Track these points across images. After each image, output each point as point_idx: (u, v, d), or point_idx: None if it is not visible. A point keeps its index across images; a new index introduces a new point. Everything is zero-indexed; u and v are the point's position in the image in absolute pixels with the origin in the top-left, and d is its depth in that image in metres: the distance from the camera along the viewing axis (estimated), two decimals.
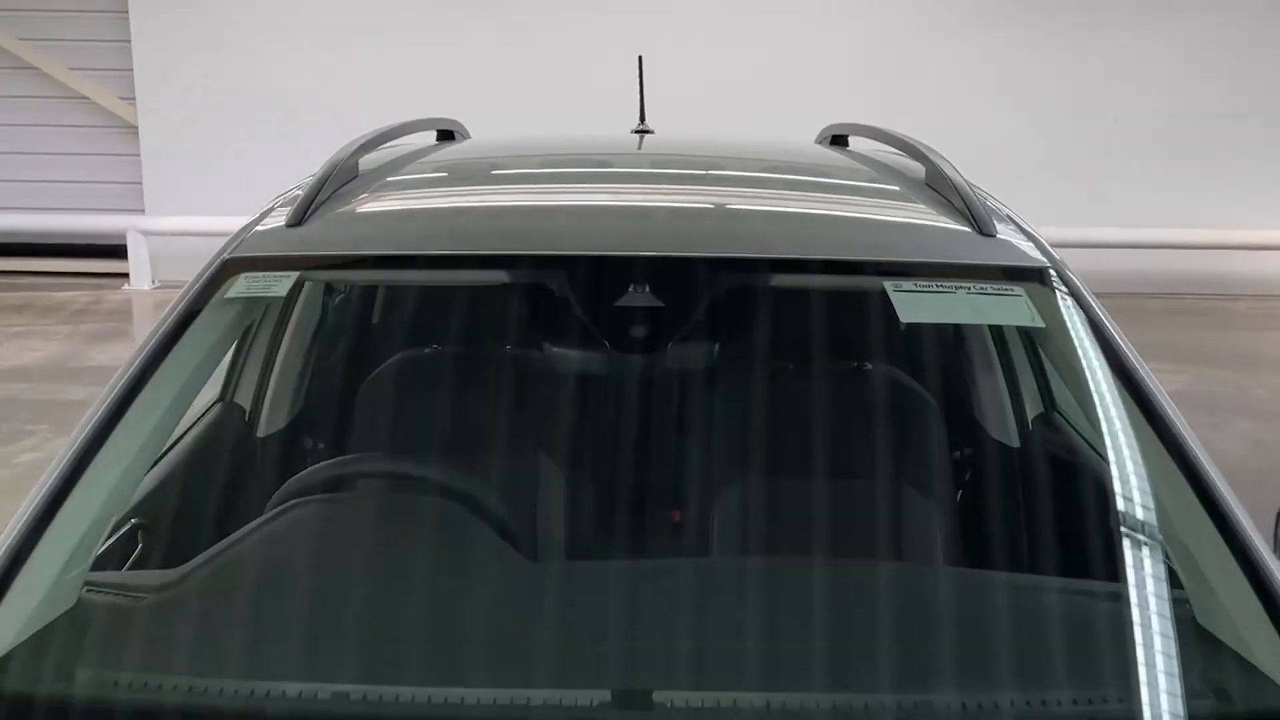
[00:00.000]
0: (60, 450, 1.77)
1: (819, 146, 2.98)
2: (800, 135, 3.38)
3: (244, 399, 2.58)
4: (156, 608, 1.69)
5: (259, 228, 2.12)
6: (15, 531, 1.64)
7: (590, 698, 1.48)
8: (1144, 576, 1.64)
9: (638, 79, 3.55)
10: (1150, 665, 1.50)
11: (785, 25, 9.82)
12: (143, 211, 10.27)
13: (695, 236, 2.04)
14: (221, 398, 2.55)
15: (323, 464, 2.04)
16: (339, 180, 2.18)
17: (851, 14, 9.87)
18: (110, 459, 1.75)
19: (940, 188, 2.24)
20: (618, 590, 1.67)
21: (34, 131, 10.40)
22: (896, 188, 2.40)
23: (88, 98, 10.34)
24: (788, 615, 1.60)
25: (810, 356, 2.16)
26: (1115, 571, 1.68)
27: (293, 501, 1.84)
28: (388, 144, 2.53)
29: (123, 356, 7.17)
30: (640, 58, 3.53)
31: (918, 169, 2.39)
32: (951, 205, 2.16)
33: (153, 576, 1.87)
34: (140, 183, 10.35)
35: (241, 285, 1.97)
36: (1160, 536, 1.69)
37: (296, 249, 2.01)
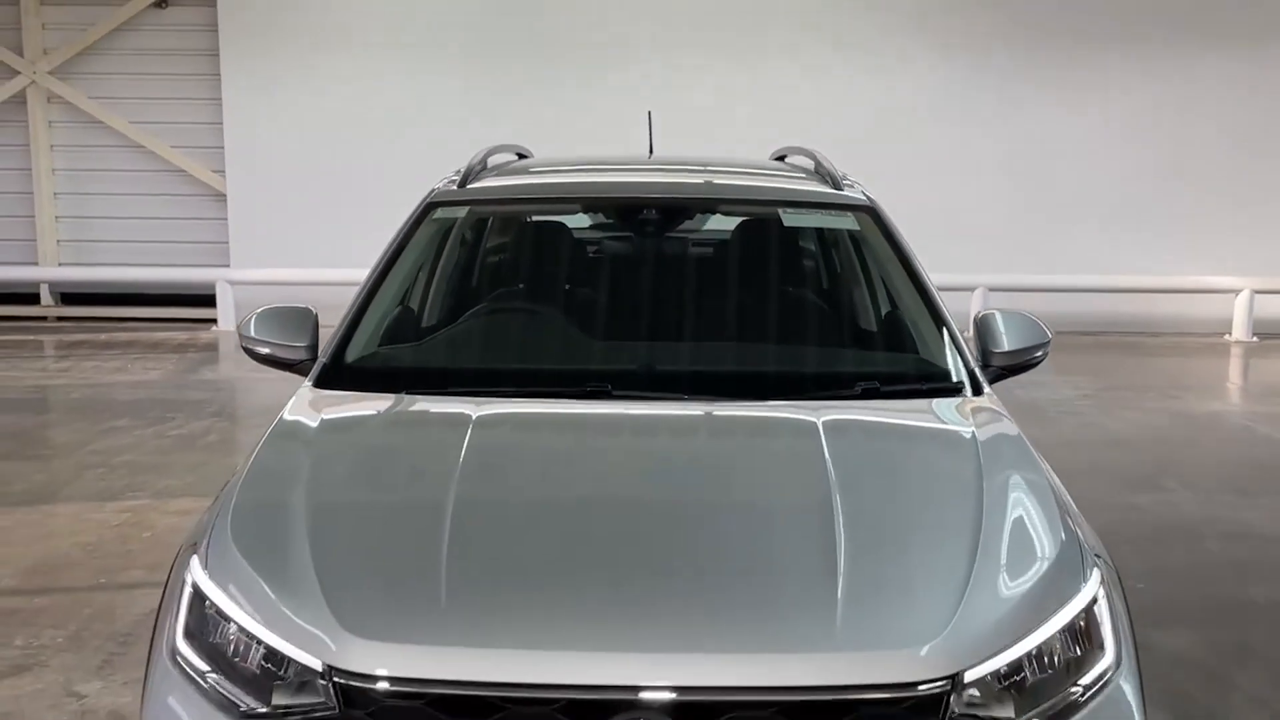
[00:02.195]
0: (355, 291, 3.53)
1: (765, 159, 4.79)
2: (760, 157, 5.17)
3: (405, 318, 4.32)
4: (426, 345, 3.49)
5: (440, 188, 3.88)
6: (337, 335, 3.37)
7: (626, 370, 3.25)
8: (930, 367, 3.42)
9: (648, 129, 5.31)
10: (922, 366, 3.37)
11: (782, 105, 11.70)
12: (229, 265, 12.13)
13: (681, 190, 3.91)
14: (401, 302, 4.29)
15: (490, 307, 3.81)
16: (479, 169, 3.97)
17: (846, 100, 11.75)
18: (383, 296, 3.51)
19: (820, 173, 4.01)
20: (636, 343, 3.46)
21: (139, 199, 12.36)
22: (797, 173, 4.19)
23: (185, 171, 12.30)
24: (730, 345, 3.39)
25: (744, 245, 3.95)
26: (916, 352, 3.50)
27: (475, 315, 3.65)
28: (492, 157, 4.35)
29: (226, 374, 9.59)
30: (650, 112, 5.30)
31: (811, 164, 4.17)
32: (823, 179, 3.93)
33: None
34: (227, 242, 12.24)
35: (439, 213, 3.76)
36: (935, 349, 3.43)
37: (466, 196, 3.79)
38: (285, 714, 2.08)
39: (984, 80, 11.82)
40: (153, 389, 9.00)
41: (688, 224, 4.03)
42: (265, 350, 3.41)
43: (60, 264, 12.48)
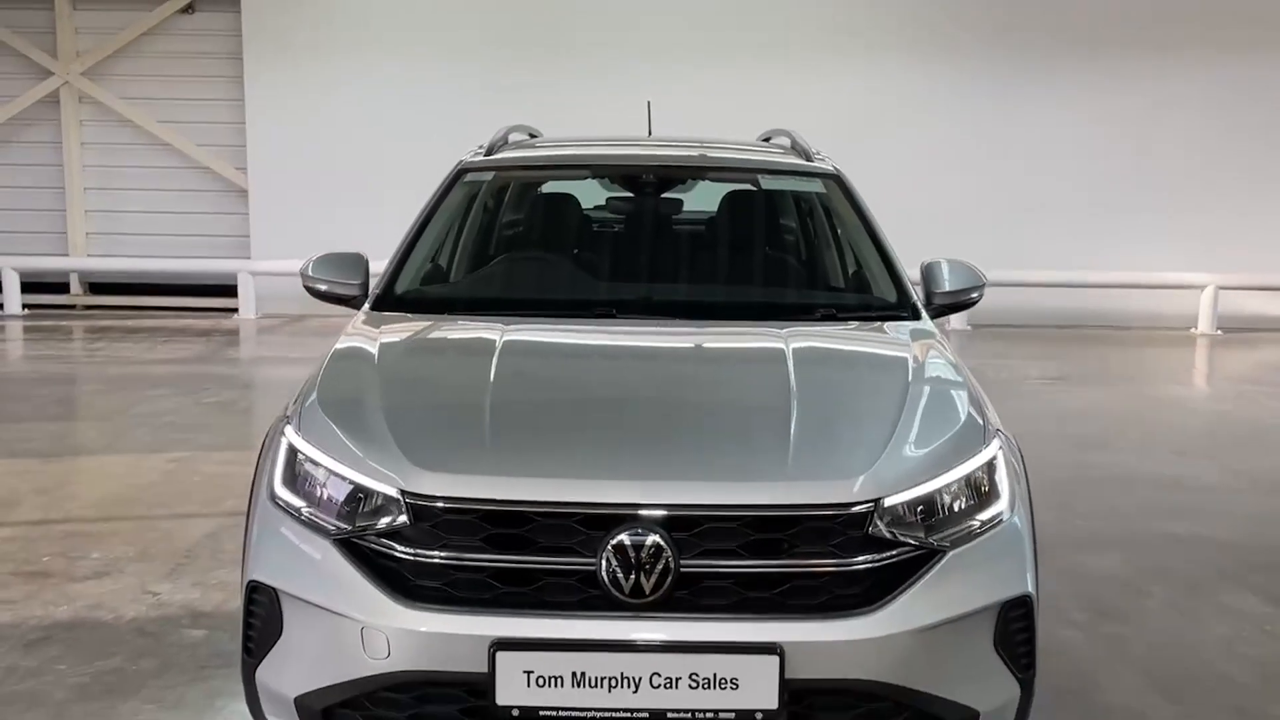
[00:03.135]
0: (399, 243, 4.18)
1: (750, 139, 5.48)
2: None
3: (442, 261, 4.98)
4: (462, 281, 4.15)
5: (469, 158, 4.55)
6: (387, 273, 4.03)
7: (628, 298, 3.91)
8: (879, 300, 4.07)
9: (647, 115, 5.98)
10: (874, 299, 4.04)
11: (769, 100, 12.37)
12: (250, 257, 12.79)
13: (676, 160, 4.60)
14: (432, 260, 4.94)
15: (513, 253, 4.48)
16: (501, 143, 4.64)
17: (829, 96, 12.43)
18: (420, 249, 4.17)
19: (796, 148, 4.69)
20: (637, 282, 4.12)
21: (165, 194, 13.05)
22: (775, 148, 4.87)
23: (209, 168, 12.98)
24: (714, 281, 4.07)
25: (730, 203, 4.64)
26: (870, 288, 4.15)
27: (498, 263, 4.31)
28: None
29: (251, 355, 10.46)
30: (649, 102, 5.97)
31: (789, 142, 4.86)
32: (798, 153, 4.60)
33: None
34: (248, 235, 12.92)
35: (468, 178, 4.43)
36: (886, 286, 4.09)
37: (492, 163, 4.46)
38: (365, 530, 2.72)
39: (960, 81, 12.54)
40: (184, 366, 9.64)
41: (680, 188, 4.75)
42: (323, 287, 4.05)
43: (89, 255, 13.15)
